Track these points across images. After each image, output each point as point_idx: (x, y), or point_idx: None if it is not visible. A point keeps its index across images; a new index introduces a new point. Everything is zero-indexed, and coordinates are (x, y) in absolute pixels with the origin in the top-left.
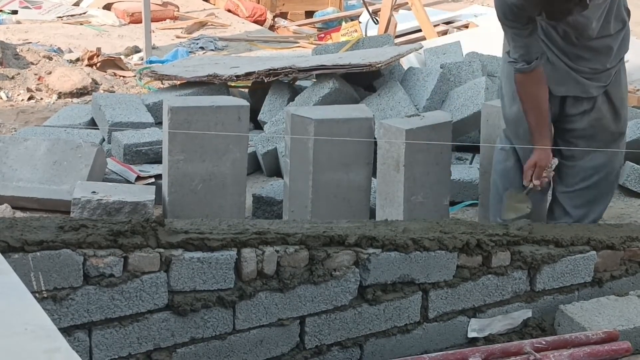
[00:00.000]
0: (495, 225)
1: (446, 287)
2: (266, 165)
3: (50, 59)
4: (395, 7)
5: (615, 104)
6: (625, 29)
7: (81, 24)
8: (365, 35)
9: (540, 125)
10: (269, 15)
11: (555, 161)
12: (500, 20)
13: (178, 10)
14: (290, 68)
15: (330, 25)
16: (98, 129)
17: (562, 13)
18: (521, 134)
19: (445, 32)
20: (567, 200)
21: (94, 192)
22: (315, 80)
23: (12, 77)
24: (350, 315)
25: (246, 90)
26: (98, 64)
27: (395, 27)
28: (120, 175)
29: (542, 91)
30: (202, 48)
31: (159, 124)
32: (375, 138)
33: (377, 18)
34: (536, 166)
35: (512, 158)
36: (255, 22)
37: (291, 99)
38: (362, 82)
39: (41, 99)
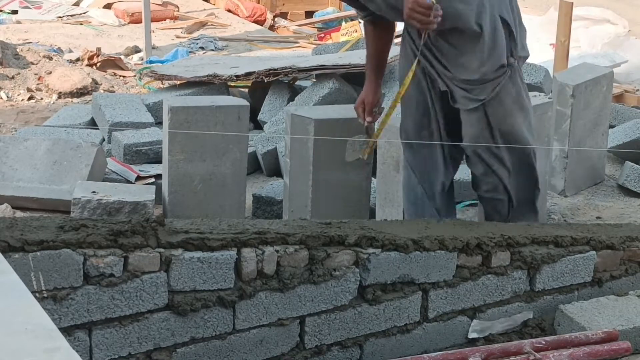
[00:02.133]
0: (495, 225)
1: (446, 287)
2: (266, 165)
3: (50, 58)
4: None
5: (492, 123)
6: (481, 43)
7: (81, 24)
8: None
9: (370, 69)
10: (269, 15)
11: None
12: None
13: (178, 10)
14: (290, 68)
15: (330, 25)
16: (98, 128)
17: None
18: (415, 145)
19: None
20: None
21: (94, 192)
22: (315, 80)
23: (12, 77)
24: (350, 315)
25: (246, 90)
26: (98, 64)
27: (395, 27)
28: (120, 175)
29: (385, 38)
30: (202, 48)
31: (159, 123)
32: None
33: None
34: (364, 103)
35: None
36: (255, 22)
37: (291, 99)
38: (362, 82)
39: (41, 98)
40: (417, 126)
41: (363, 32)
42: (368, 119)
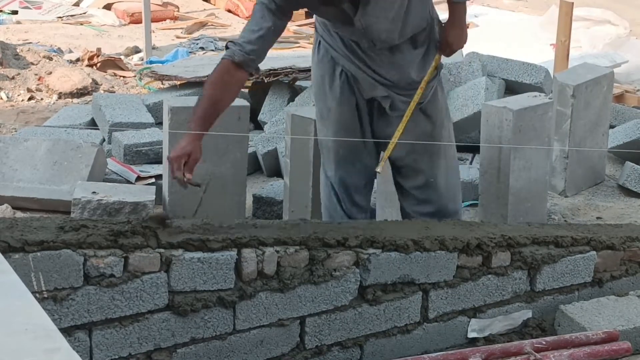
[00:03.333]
0: (496, 226)
1: (446, 287)
2: (266, 166)
3: (50, 59)
4: None
5: (436, 122)
6: (425, 45)
7: (81, 24)
8: None
9: (202, 118)
10: None
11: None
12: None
13: (178, 11)
14: (291, 68)
15: None
16: (98, 129)
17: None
18: (332, 157)
19: None
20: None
21: (94, 192)
22: None
23: (13, 78)
24: (351, 315)
25: (246, 90)
26: (98, 64)
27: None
28: (120, 176)
29: (232, 93)
30: (202, 48)
31: (159, 124)
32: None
33: None
34: (189, 157)
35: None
36: None
37: (291, 99)
38: None
39: (41, 99)
40: (344, 142)
41: (218, 78)
42: (188, 175)
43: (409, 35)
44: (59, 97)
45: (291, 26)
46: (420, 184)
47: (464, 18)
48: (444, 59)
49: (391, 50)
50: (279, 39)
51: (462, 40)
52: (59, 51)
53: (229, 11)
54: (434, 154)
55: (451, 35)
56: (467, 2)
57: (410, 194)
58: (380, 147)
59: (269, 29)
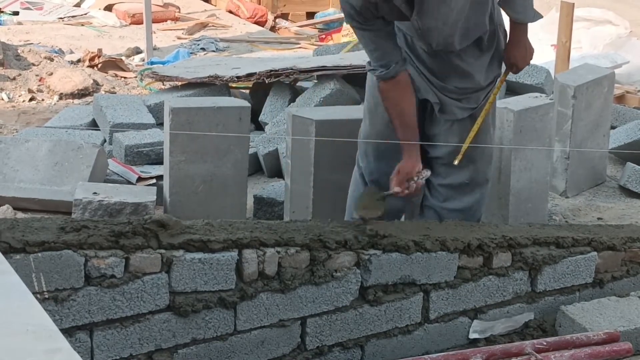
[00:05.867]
0: (497, 227)
1: (447, 288)
2: (267, 166)
3: (51, 60)
4: None
5: (481, 129)
6: (488, 51)
7: (82, 25)
8: None
9: (406, 133)
10: (270, 16)
11: (427, 173)
12: (347, 22)
13: (179, 12)
14: (292, 69)
15: (332, 26)
16: (99, 129)
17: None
18: (369, 152)
19: None
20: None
21: (95, 193)
22: (316, 81)
23: (14, 78)
24: (352, 316)
25: (247, 91)
26: (99, 65)
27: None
28: (121, 176)
29: (407, 98)
30: (203, 49)
31: (160, 124)
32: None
33: None
34: (400, 173)
35: (360, 177)
36: (256, 23)
37: (292, 100)
38: (364, 83)
39: (42, 100)
40: (380, 138)
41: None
42: (397, 189)
43: (470, 41)
44: (60, 98)
45: (292, 27)
46: (453, 183)
47: (525, 37)
48: None
49: (456, 55)
50: (280, 40)
51: (525, 58)
52: (60, 52)
53: (230, 12)
54: (474, 157)
55: (513, 55)
56: None
57: (439, 191)
58: (423, 146)
59: (380, 36)
